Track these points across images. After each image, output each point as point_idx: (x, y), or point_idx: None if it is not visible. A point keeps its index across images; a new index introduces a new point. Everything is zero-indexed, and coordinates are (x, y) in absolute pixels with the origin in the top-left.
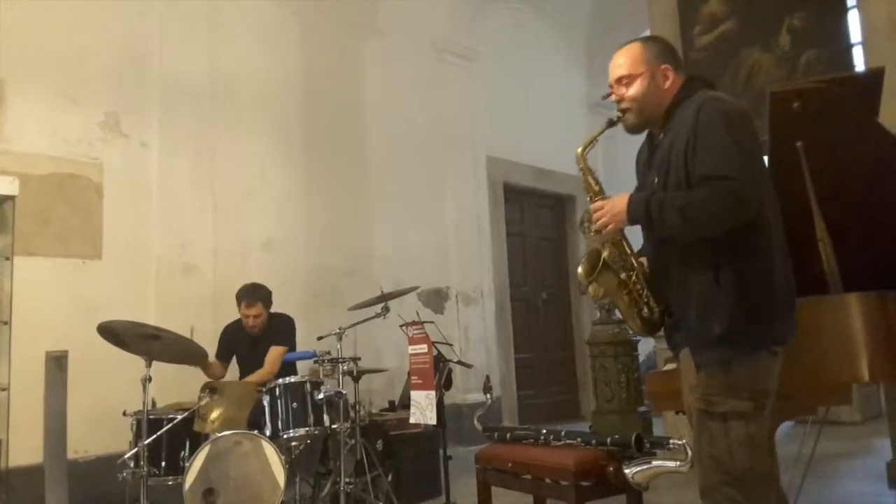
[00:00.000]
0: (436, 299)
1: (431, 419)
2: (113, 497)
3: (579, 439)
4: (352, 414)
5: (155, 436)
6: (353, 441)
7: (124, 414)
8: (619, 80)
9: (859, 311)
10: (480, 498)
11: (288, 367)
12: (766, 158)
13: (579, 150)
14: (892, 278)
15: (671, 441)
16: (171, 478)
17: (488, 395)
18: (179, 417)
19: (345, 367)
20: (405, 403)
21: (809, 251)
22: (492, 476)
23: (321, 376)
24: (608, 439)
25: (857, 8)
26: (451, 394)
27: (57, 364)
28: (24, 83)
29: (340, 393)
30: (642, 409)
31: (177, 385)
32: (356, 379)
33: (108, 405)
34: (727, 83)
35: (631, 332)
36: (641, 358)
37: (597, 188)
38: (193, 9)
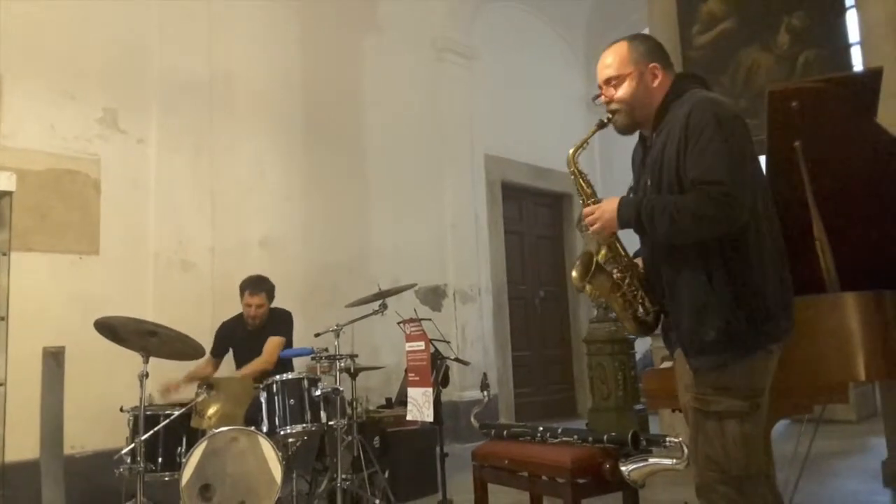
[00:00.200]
0: (433, 297)
1: (428, 416)
2: (109, 492)
3: (576, 437)
4: (349, 411)
5: (152, 431)
6: (349, 438)
7: (121, 410)
8: (607, 82)
9: (856, 310)
10: (477, 495)
11: (285, 364)
12: (762, 158)
13: (570, 152)
14: (889, 278)
15: (667, 439)
16: (167, 473)
17: (485, 393)
18: (176, 413)
19: (342, 364)
20: (402, 400)
21: (807, 250)
22: (488, 473)
23: (318, 373)
24: (605, 437)
25: (856, 8)
26: (448, 391)
27: (54, 359)
28: (21, 79)
29: (337, 390)
30: (639, 406)
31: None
32: (353, 376)
33: (105, 401)
34: (726, 82)
35: (627, 332)
36: (638, 356)
37: (589, 191)
38: (192, 5)
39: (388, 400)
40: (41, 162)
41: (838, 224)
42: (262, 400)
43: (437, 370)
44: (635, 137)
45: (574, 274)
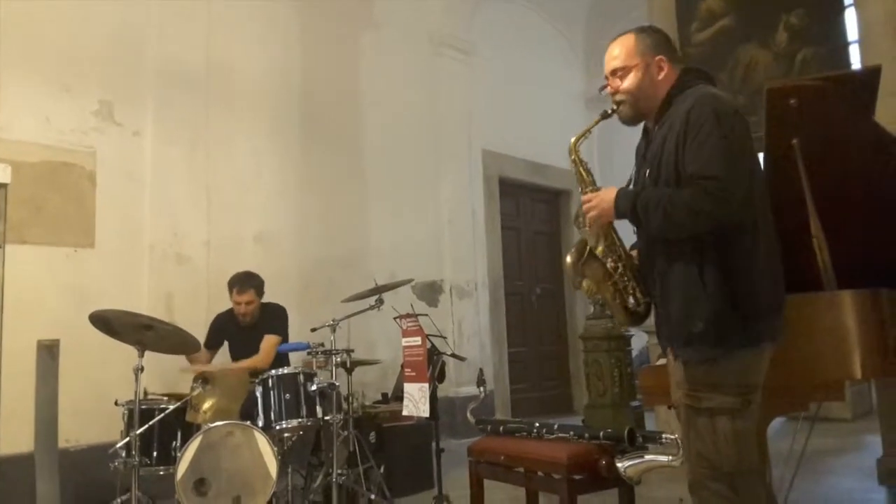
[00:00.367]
0: (430, 292)
1: (424, 412)
2: (104, 486)
3: (572, 433)
4: (345, 406)
5: (147, 425)
6: (345, 433)
7: (116, 403)
8: (613, 73)
9: (853, 308)
10: (472, 491)
11: (281, 359)
12: (760, 156)
13: (572, 140)
14: (885, 276)
15: (663, 435)
16: (162, 468)
17: (481, 389)
18: (171, 407)
19: (338, 359)
20: (398, 396)
21: (804, 248)
22: (484, 469)
23: (314, 368)
24: (601, 433)
25: (854, 6)
26: (445, 387)
27: (48, 353)
28: (17, 71)
29: (333, 384)
30: (635, 403)
31: (169, 375)
32: (349, 371)
33: (100, 394)
34: (724, 79)
35: (617, 322)
36: (634, 353)
37: (588, 179)
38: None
39: (385, 395)
40: (36, 154)
41: (835, 222)
42: (258, 394)
43: (433, 366)
44: (636, 131)
45: (568, 260)
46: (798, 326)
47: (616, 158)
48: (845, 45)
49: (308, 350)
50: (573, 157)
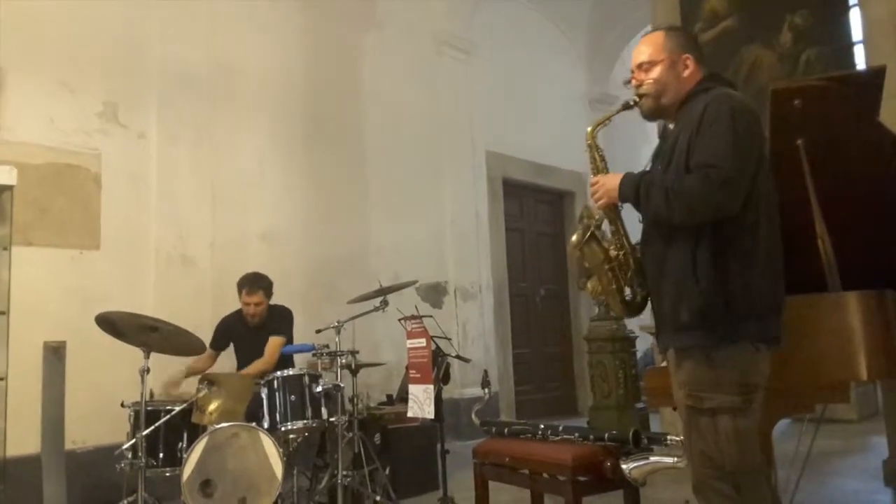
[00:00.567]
0: (434, 294)
1: (429, 413)
2: (110, 488)
3: (577, 435)
4: (350, 407)
5: (153, 427)
6: (350, 434)
7: (122, 405)
8: (639, 66)
9: (858, 309)
10: (478, 492)
11: (286, 360)
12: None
13: (590, 128)
14: (890, 277)
15: (669, 437)
16: (168, 469)
17: (486, 390)
18: (177, 409)
19: (343, 361)
20: (403, 397)
21: (808, 249)
22: (489, 470)
23: (319, 369)
24: (606, 435)
25: (859, 6)
26: (449, 388)
27: (55, 354)
28: (22, 72)
29: (338, 386)
30: (640, 405)
31: (175, 377)
32: (354, 372)
33: (106, 396)
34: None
35: (612, 311)
36: (639, 354)
37: (601, 164)
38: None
39: (389, 397)
40: (41, 156)
41: (840, 223)
42: (263, 396)
43: (438, 367)
44: (636, 133)
45: (573, 238)
46: (803, 327)
47: (618, 161)
48: (850, 45)
49: (313, 352)
50: (589, 141)
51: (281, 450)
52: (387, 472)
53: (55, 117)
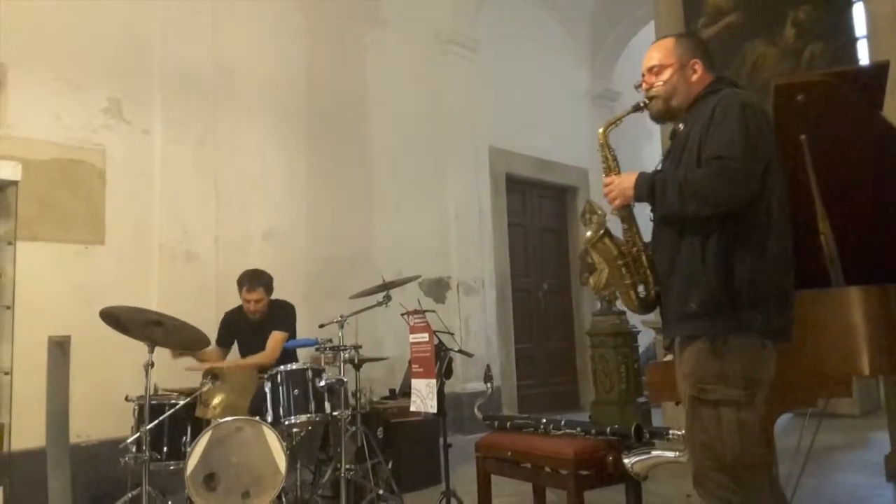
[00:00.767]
0: (437, 289)
1: (432, 407)
2: (115, 481)
3: (579, 429)
4: (353, 401)
5: (157, 421)
6: (353, 428)
7: (126, 399)
8: (650, 70)
9: (860, 304)
10: (480, 486)
11: (289, 355)
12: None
13: (601, 128)
14: (893, 272)
15: (670, 431)
16: (172, 463)
17: (488, 385)
18: (181, 403)
19: (346, 355)
20: (406, 391)
21: (811, 244)
22: (491, 464)
23: (322, 364)
24: (608, 429)
25: (862, 1)
26: (452, 383)
27: (59, 349)
28: (26, 68)
29: (341, 380)
30: (642, 399)
31: (179, 371)
32: (357, 367)
33: (111, 390)
34: (731, 76)
35: (625, 307)
36: (641, 349)
37: (613, 164)
38: None
39: (392, 391)
40: (46, 152)
41: (843, 218)
42: (267, 390)
43: (440, 362)
44: (642, 132)
45: (588, 233)
46: (806, 322)
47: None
48: (853, 40)
49: (316, 346)
50: (601, 141)
51: (284, 444)
52: (389, 465)
53: (60, 113)
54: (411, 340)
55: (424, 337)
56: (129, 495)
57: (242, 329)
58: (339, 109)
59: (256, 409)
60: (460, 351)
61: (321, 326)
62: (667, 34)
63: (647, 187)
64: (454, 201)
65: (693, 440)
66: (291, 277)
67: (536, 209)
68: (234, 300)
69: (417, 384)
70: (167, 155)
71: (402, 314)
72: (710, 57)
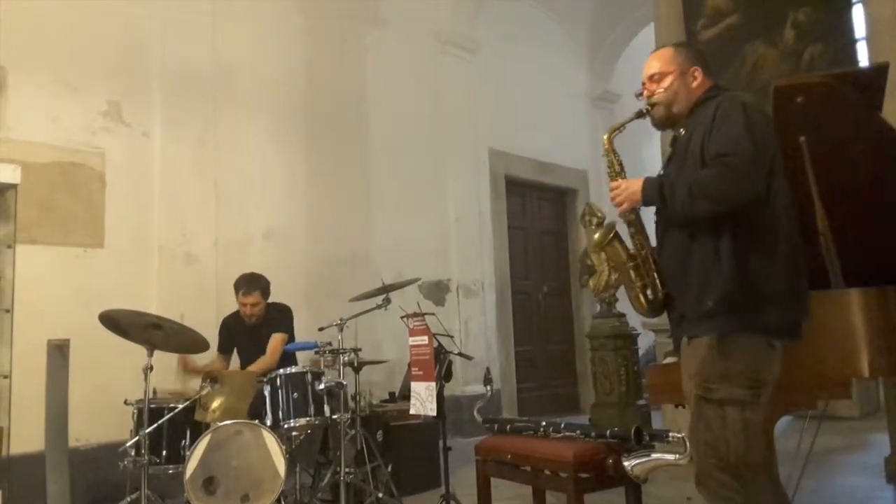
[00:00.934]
0: (437, 291)
1: (431, 410)
2: (114, 485)
3: (579, 431)
4: (352, 404)
5: (156, 424)
6: (353, 431)
7: (125, 402)
8: (651, 78)
9: (860, 306)
10: (479, 489)
11: (289, 358)
12: None
13: (606, 134)
14: (893, 274)
15: (670, 434)
16: (171, 466)
17: (488, 388)
18: (180, 406)
19: (346, 358)
20: (405, 394)
21: (811, 246)
22: (491, 467)
23: (322, 367)
24: (607, 432)
25: (862, 3)
26: (451, 385)
27: (58, 352)
28: (25, 71)
29: (341, 383)
30: (641, 402)
31: (178, 374)
32: (357, 370)
33: (110, 394)
34: (731, 77)
35: (633, 309)
36: (641, 351)
37: (618, 168)
38: None
39: (392, 394)
40: (46, 155)
41: (843, 220)
42: (266, 393)
43: (440, 364)
44: (642, 134)
45: (596, 237)
46: None
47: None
48: (853, 42)
49: (316, 349)
50: (606, 146)
51: (284, 447)
52: (389, 468)
53: (59, 116)
54: (411, 343)
55: (424, 340)
56: (129, 499)
57: (240, 333)
58: (338, 109)
59: (256, 412)
60: (460, 354)
61: (320, 329)
62: (665, 40)
63: (656, 190)
64: (454, 203)
65: (697, 439)
66: (291, 278)
67: (536, 211)
68: (233, 302)
69: (417, 387)
70: (167, 155)
71: (402, 317)
72: (708, 65)
